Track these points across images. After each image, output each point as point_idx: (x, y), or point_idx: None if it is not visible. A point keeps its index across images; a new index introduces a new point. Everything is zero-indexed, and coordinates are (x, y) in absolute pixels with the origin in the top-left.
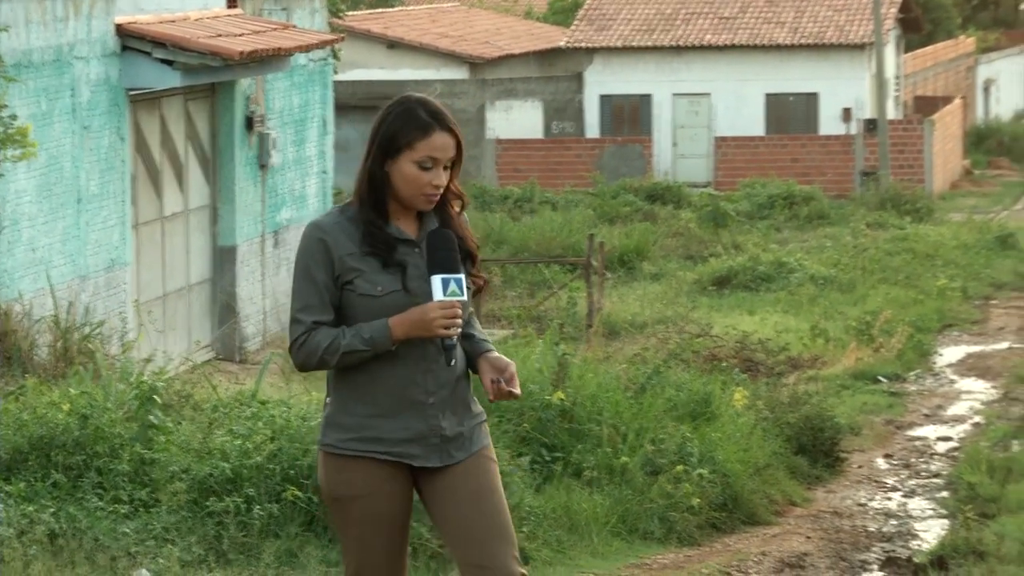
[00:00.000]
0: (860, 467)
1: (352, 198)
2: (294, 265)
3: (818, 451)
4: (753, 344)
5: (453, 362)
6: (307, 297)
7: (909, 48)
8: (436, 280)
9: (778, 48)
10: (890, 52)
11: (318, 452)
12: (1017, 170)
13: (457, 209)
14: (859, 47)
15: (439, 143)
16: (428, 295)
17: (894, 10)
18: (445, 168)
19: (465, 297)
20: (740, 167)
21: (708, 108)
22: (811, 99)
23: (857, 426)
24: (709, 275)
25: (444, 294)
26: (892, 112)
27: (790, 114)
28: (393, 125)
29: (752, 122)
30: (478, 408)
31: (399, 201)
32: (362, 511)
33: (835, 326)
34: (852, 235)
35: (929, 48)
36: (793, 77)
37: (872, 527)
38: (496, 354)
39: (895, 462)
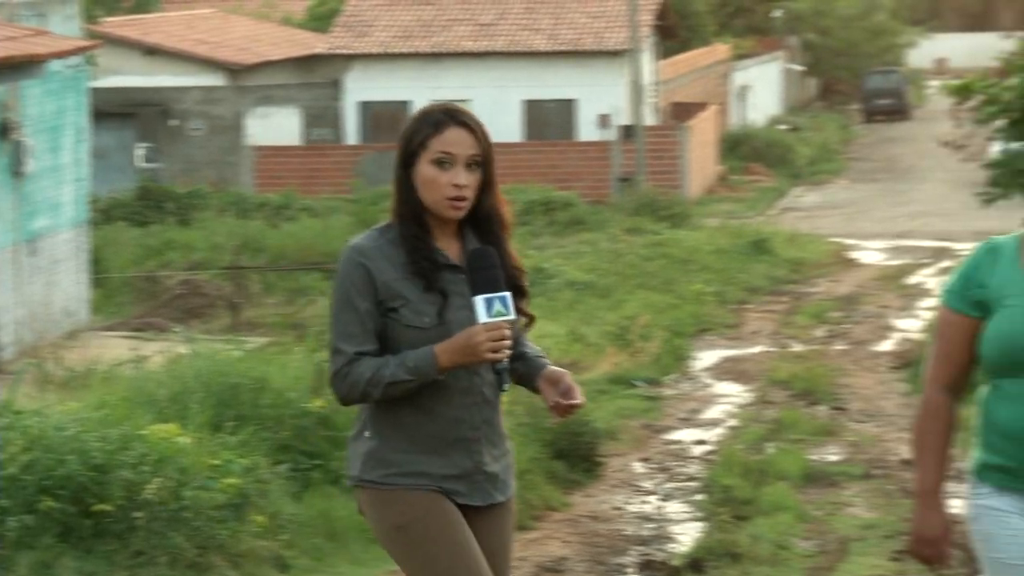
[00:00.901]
0: (617, 471)
1: (391, 218)
2: (333, 290)
3: (576, 456)
4: None
5: (507, 386)
6: (348, 325)
7: (665, 55)
8: (479, 301)
9: (536, 55)
10: (646, 59)
11: (357, 490)
12: (771, 175)
13: (502, 232)
14: (616, 54)
15: (453, 138)
16: (467, 327)
17: (650, 17)
18: (470, 168)
19: (512, 316)
20: (499, 173)
21: None
22: (569, 105)
23: (615, 430)
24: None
25: (489, 315)
26: (649, 118)
27: (548, 120)
28: (408, 129)
29: (511, 128)
30: (507, 437)
31: (433, 215)
32: (435, 528)
33: (593, 331)
34: (609, 240)
35: (685, 55)
36: (551, 84)
37: (629, 531)
38: (551, 368)
39: (652, 466)
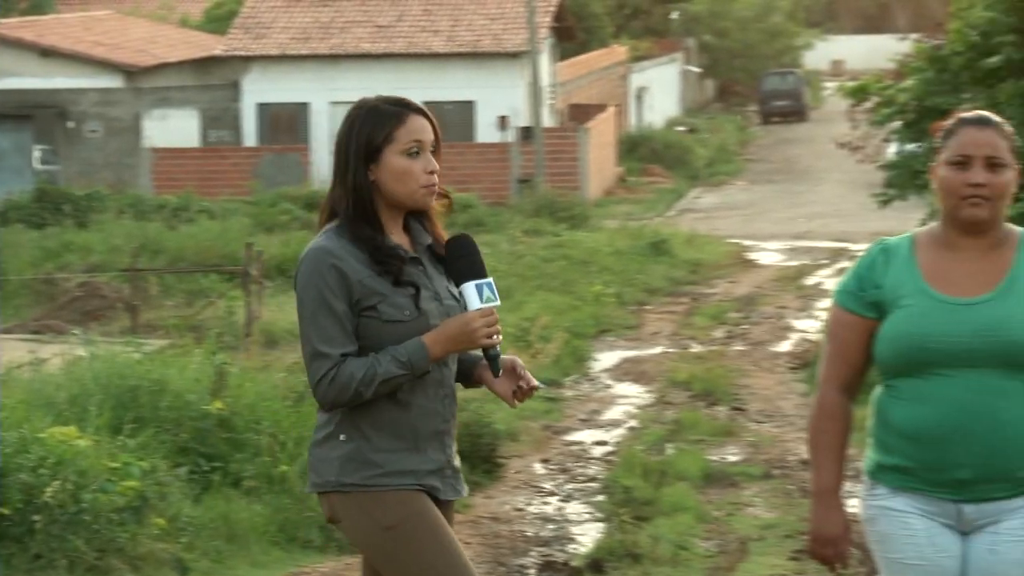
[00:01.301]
0: (518, 472)
1: (341, 220)
2: (304, 295)
3: (477, 457)
4: None
5: (500, 372)
6: (327, 328)
7: (564, 56)
8: (470, 287)
9: (435, 56)
10: (545, 60)
11: (329, 496)
12: (670, 177)
13: (442, 210)
14: (514, 56)
15: (417, 125)
16: (440, 316)
17: (548, 19)
18: (433, 154)
19: (499, 302)
20: None
21: None
22: (468, 107)
23: (515, 432)
24: None
25: (481, 301)
26: (547, 120)
27: (447, 122)
28: (364, 127)
29: None
30: None
31: (392, 208)
32: (427, 524)
33: None
34: (509, 242)
35: (583, 56)
36: (450, 85)
37: (530, 532)
38: (503, 358)
39: (552, 467)
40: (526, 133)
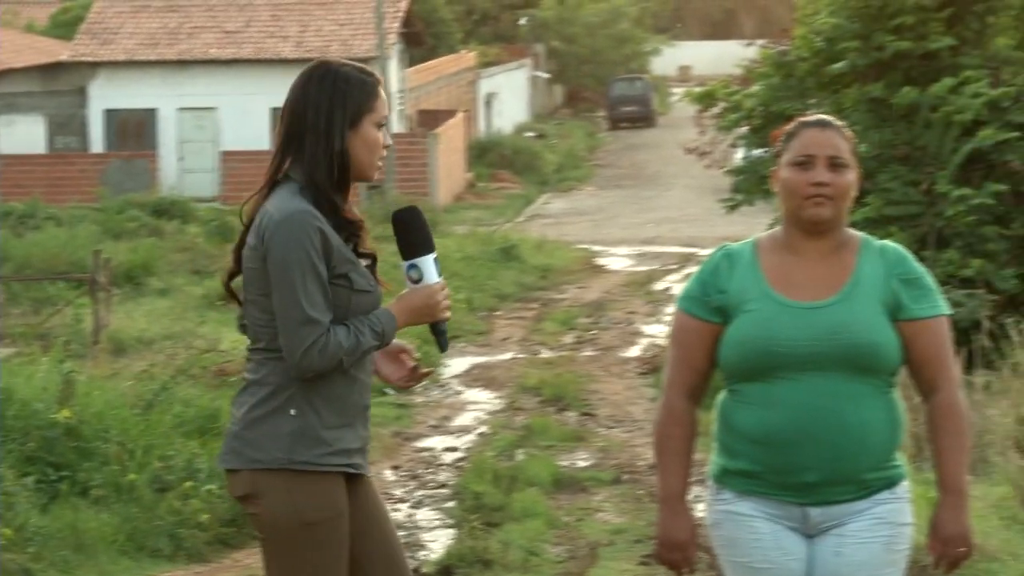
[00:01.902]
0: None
1: (290, 185)
2: (288, 257)
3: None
4: None
5: (448, 348)
6: (315, 294)
7: (413, 62)
8: (429, 261)
9: (283, 62)
10: (394, 66)
11: (258, 473)
12: (519, 183)
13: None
14: (363, 61)
15: (384, 98)
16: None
17: (397, 25)
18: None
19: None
20: (247, 181)
21: (214, 122)
22: None
23: None
24: (217, 290)
25: (438, 274)
26: (397, 126)
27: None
28: (352, 93)
29: (258, 136)
30: None
31: (353, 178)
32: (338, 532)
33: None
34: None
35: (432, 62)
36: None
37: None
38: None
39: (403, 473)
40: None
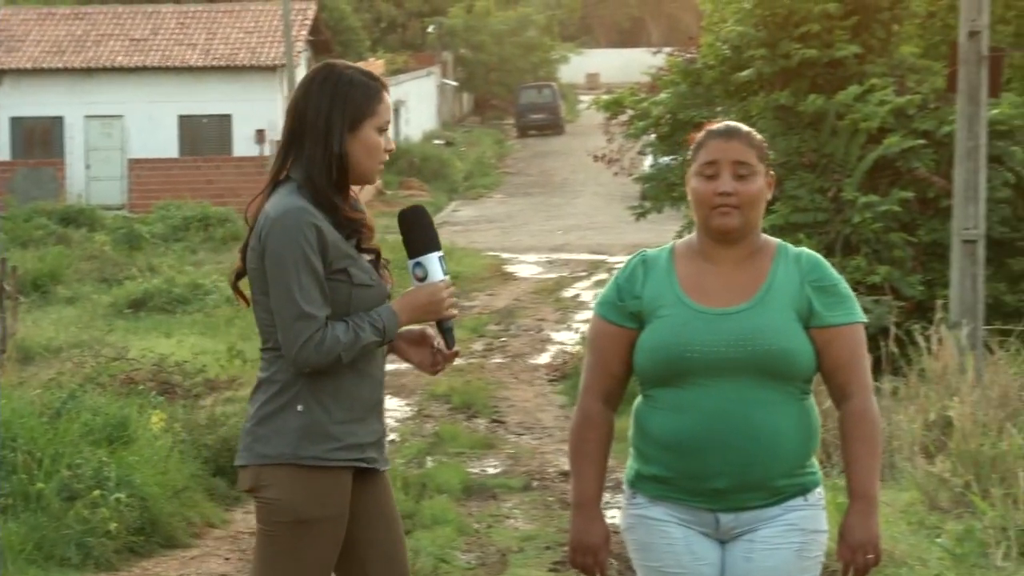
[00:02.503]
0: None
1: (290, 185)
2: (282, 253)
3: (236, 472)
4: (170, 367)
5: (456, 346)
6: (311, 288)
7: None
8: (434, 258)
9: (191, 70)
10: (301, 74)
11: (264, 468)
12: (428, 190)
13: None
14: (271, 69)
15: (389, 103)
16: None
17: (305, 32)
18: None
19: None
20: (155, 189)
21: (121, 130)
22: (224, 120)
23: None
24: (125, 298)
25: (443, 273)
26: None
27: (204, 136)
28: (352, 95)
29: (166, 144)
30: None
31: (353, 181)
32: (331, 533)
33: (252, 347)
34: None
35: None
36: (206, 99)
37: None
38: (409, 329)
39: None
40: None
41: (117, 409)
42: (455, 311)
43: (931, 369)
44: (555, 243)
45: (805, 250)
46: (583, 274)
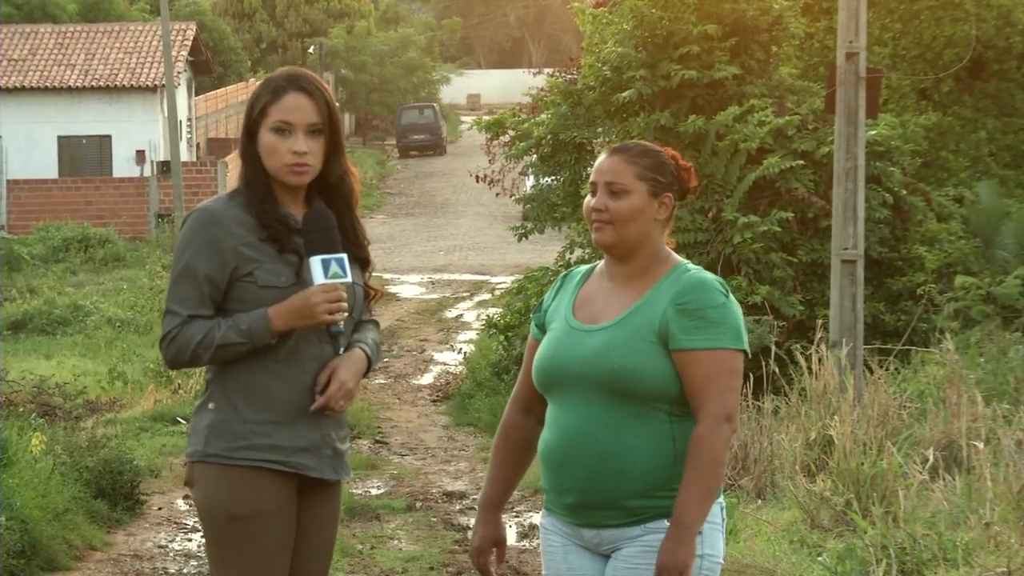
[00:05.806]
0: (160, 509)
1: (238, 185)
2: (176, 252)
3: (118, 494)
4: (50, 388)
5: (341, 350)
6: (184, 289)
7: (200, 90)
8: (315, 262)
9: (69, 90)
10: (182, 94)
11: (193, 465)
12: None
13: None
14: (151, 89)
15: (291, 104)
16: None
17: (185, 53)
18: (312, 135)
19: (349, 279)
20: (34, 210)
21: None
22: (104, 141)
23: (157, 468)
24: (4, 320)
25: (326, 276)
26: (185, 154)
27: (84, 156)
28: (251, 97)
29: (45, 165)
30: (347, 423)
31: (278, 182)
32: (270, 530)
33: (133, 369)
34: (148, 277)
35: (220, 90)
36: (85, 119)
37: (172, 568)
38: (347, 353)
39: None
40: (164, 167)
41: None
42: (336, 316)
43: (812, 388)
44: (437, 264)
45: (696, 274)
46: (465, 295)
